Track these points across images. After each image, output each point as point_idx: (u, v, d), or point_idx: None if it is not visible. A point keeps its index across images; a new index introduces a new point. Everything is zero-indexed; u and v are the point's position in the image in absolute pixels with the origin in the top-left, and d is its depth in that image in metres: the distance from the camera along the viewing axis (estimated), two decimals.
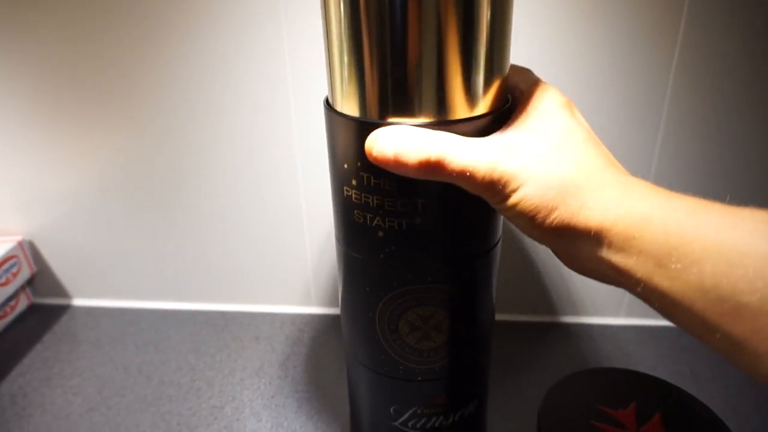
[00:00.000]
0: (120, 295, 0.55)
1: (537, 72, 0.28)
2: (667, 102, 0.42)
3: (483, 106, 0.24)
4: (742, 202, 0.19)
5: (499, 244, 0.29)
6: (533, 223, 0.22)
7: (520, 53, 0.39)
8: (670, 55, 0.40)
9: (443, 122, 0.23)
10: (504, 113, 0.25)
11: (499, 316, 0.51)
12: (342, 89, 0.24)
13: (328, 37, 0.24)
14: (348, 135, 0.24)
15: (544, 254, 0.48)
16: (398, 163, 0.22)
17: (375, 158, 0.23)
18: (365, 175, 0.24)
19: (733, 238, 0.18)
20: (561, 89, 0.26)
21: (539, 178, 0.22)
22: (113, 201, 0.50)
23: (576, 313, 0.51)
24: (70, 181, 0.50)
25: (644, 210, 0.20)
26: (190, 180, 0.48)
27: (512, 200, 0.22)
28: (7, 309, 0.53)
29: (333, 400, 0.43)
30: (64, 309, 0.55)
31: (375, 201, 0.25)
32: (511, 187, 0.22)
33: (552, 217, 0.22)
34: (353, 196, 0.25)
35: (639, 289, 0.20)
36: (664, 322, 0.46)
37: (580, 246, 0.22)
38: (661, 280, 0.19)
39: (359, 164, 0.24)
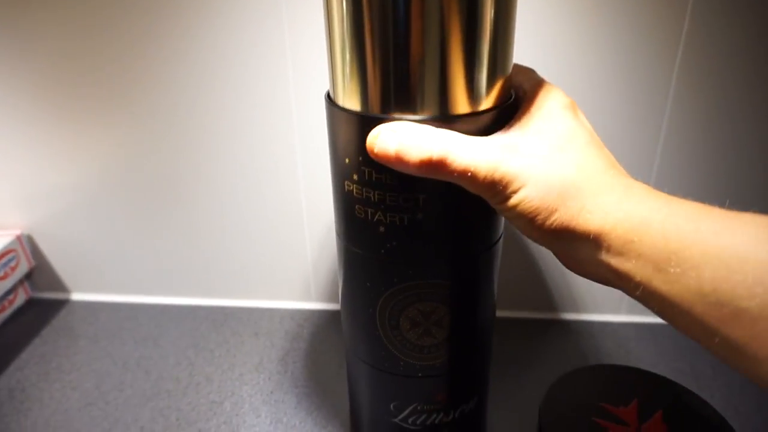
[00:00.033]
0: (119, 289, 0.55)
1: (539, 71, 0.27)
2: (670, 101, 0.41)
3: (485, 102, 0.24)
4: (744, 201, 0.19)
5: (501, 241, 0.28)
6: (533, 224, 0.22)
7: (522, 51, 0.39)
8: (674, 53, 0.40)
9: (445, 118, 0.23)
10: (506, 110, 0.25)
11: (499, 313, 0.51)
12: (344, 84, 0.24)
13: (330, 32, 0.24)
14: (349, 130, 0.24)
15: (545, 251, 0.48)
16: (400, 161, 0.22)
17: (377, 155, 0.23)
18: (367, 170, 0.24)
19: (733, 244, 0.18)
20: (563, 88, 0.26)
21: (540, 179, 0.22)
22: (112, 196, 0.50)
23: (577, 310, 0.51)
24: (69, 176, 0.50)
25: (644, 214, 0.20)
26: (189, 175, 0.48)
27: (513, 201, 0.22)
28: (6, 303, 0.52)
29: (333, 396, 0.43)
30: (62, 303, 0.55)
31: (376, 196, 0.25)
32: (512, 188, 0.22)
33: (552, 219, 0.22)
34: (354, 190, 0.25)
35: (638, 292, 0.20)
36: None
37: (580, 248, 0.22)
38: (660, 284, 0.19)
39: (361, 159, 0.24)
